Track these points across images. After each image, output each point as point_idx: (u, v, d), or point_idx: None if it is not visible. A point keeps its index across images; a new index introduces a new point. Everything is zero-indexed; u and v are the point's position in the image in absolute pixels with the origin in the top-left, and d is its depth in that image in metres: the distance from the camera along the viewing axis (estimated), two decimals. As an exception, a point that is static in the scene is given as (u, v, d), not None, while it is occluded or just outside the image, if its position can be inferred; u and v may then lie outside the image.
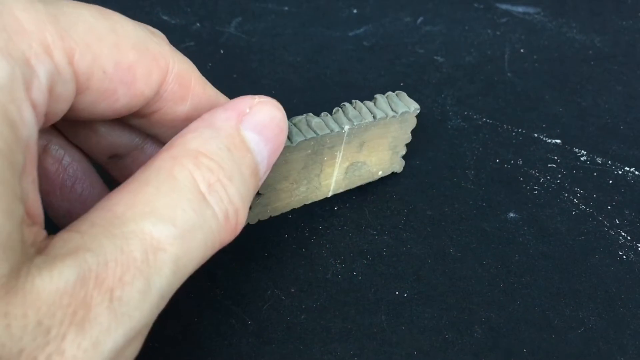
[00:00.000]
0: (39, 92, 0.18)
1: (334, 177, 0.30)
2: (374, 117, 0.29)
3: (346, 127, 0.28)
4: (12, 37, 0.17)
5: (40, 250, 0.17)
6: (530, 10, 0.47)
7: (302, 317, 0.27)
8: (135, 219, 0.18)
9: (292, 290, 0.28)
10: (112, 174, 0.26)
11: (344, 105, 0.29)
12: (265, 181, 0.27)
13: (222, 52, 0.41)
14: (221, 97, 0.24)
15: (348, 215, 0.31)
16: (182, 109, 0.23)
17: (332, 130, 0.28)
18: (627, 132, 0.37)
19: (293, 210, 0.30)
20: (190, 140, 0.21)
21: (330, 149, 0.28)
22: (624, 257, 0.29)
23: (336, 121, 0.28)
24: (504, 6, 0.47)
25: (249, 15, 0.45)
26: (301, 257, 0.29)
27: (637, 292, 0.28)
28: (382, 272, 0.28)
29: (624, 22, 0.46)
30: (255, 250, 0.29)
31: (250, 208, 0.28)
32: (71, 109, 0.20)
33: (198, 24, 0.44)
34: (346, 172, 0.30)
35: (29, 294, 0.16)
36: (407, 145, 0.32)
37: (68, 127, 0.24)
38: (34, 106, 0.17)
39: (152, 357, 0.25)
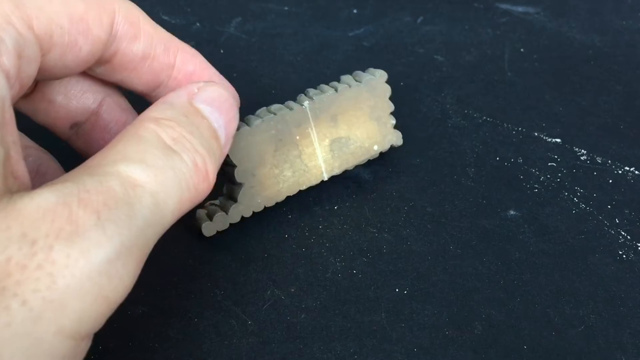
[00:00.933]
0: (7, 57, 0.20)
1: (320, 157, 0.31)
2: (335, 90, 0.31)
3: (305, 103, 0.30)
4: None
5: (21, 190, 0.19)
6: (530, 10, 0.47)
7: (302, 316, 0.27)
8: (109, 164, 0.21)
9: (292, 289, 0.28)
10: (75, 146, 0.28)
11: (307, 90, 0.31)
12: (240, 169, 0.28)
13: (222, 52, 0.41)
14: (175, 39, 0.27)
15: (348, 213, 0.31)
16: (137, 46, 0.25)
17: (291, 109, 0.30)
18: (627, 132, 0.37)
19: (292, 210, 0.30)
20: (149, 112, 0.24)
21: (297, 127, 0.30)
22: (624, 256, 0.29)
23: (297, 102, 0.30)
24: (504, 6, 0.47)
25: (249, 15, 0.45)
26: (301, 256, 0.29)
27: (637, 291, 0.28)
28: (382, 270, 0.28)
29: (624, 22, 0.46)
30: (255, 250, 0.29)
31: (238, 201, 0.29)
32: (44, 69, 0.22)
33: (198, 24, 0.44)
34: (332, 150, 0.31)
35: (10, 211, 0.18)
36: (392, 114, 0.33)
37: (28, 106, 0.27)
38: (4, 70, 0.20)
39: (152, 357, 0.25)
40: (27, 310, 0.17)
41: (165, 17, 0.44)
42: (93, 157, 0.22)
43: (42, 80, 0.26)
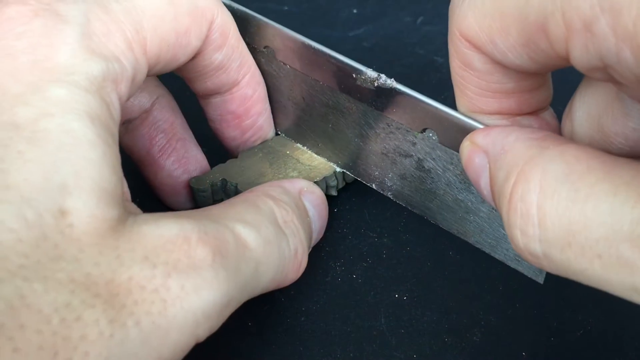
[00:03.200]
0: (126, 85, 0.21)
1: (320, 158, 0.31)
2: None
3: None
4: (101, 39, 0.20)
5: (138, 214, 0.20)
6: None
7: (302, 319, 0.27)
8: (228, 219, 0.21)
9: (292, 292, 0.28)
10: (120, 141, 0.29)
11: None
12: (243, 183, 0.29)
13: (222, 52, 0.41)
14: (250, 58, 0.28)
15: (348, 217, 0.31)
16: (217, 56, 0.26)
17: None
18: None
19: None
20: (268, 188, 0.25)
21: (283, 147, 0.31)
22: (623, 260, 0.30)
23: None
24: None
25: (249, 15, 0.45)
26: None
27: (636, 295, 0.28)
28: (381, 275, 0.28)
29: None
30: (255, 252, 0.29)
31: None
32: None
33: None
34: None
35: (135, 234, 0.18)
36: None
37: None
38: (121, 98, 0.21)
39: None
40: (139, 331, 0.17)
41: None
42: (211, 207, 0.22)
43: None
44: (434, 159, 0.25)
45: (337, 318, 0.27)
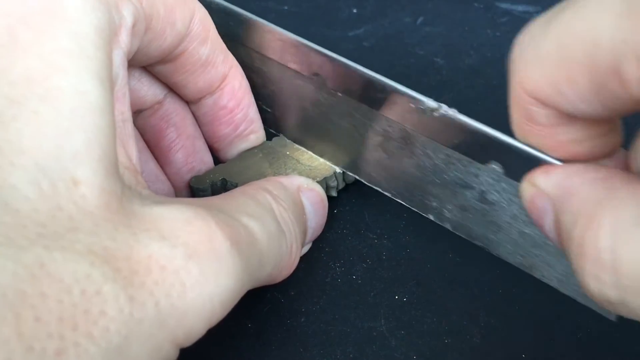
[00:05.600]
0: (126, 34, 0.21)
1: (320, 158, 0.31)
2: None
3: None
4: None
5: (144, 193, 0.20)
6: (530, 9, 0.47)
7: (302, 319, 0.27)
8: (232, 211, 0.21)
9: (292, 293, 0.28)
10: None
11: None
12: (242, 181, 0.29)
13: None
14: (229, 52, 0.28)
15: (347, 218, 0.31)
16: (203, 50, 0.26)
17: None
18: (627, 133, 0.37)
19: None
20: (265, 183, 0.25)
21: (283, 147, 0.31)
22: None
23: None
24: (504, 5, 0.47)
25: (249, 15, 0.45)
26: (300, 260, 0.29)
27: (635, 296, 0.28)
28: (381, 276, 0.29)
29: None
30: (255, 252, 0.29)
31: None
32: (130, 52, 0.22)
33: (198, 23, 0.44)
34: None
35: (148, 215, 0.18)
36: None
37: None
38: (123, 47, 0.21)
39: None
40: (157, 312, 0.17)
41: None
42: (211, 198, 0.22)
43: None
44: (498, 191, 0.24)
45: (336, 319, 0.27)
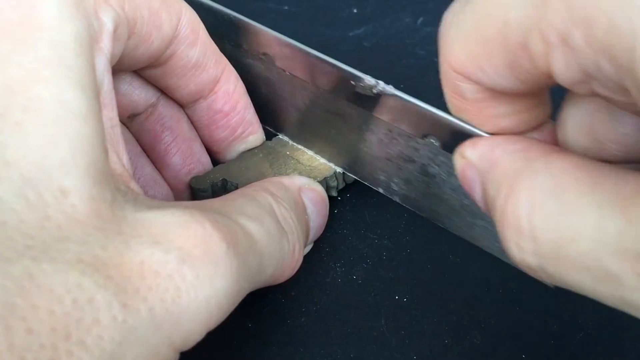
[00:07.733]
0: (108, 40, 0.20)
1: (321, 159, 0.31)
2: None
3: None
4: None
5: (138, 199, 0.19)
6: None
7: (302, 320, 0.27)
8: (230, 212, 0.21)
9: (292, 293, 0.28)
10: (127, 137, 0.29)
11: None
12: (242, 181, 0.29)
13: (222, 51, 0.41)
14: (222, 55, 0.28)
15: (348, 218, 0.31)
16: (193, 53, 0.26)
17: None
18: (555, 106, 0.37)
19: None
20: (266, 184, 0.25)
21: (283, 147, 0.31)
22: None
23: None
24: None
25: (249, 15, 0.44)
26: (301, 260, 0.29)
27: (635, 297, 0.28)
28: (382, 277, 0.29)
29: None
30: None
31: None
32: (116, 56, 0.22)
33: (198, 23, 0.44)
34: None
35: (140, 222, 0.18)
36: None
37: None
38: (105, 53, 0.20)
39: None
40: (152, 318, 0.17)
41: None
42: (210, 201, 0.22)
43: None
44: (437, 164, 0.25)
45: (337, 319, 0.27)
